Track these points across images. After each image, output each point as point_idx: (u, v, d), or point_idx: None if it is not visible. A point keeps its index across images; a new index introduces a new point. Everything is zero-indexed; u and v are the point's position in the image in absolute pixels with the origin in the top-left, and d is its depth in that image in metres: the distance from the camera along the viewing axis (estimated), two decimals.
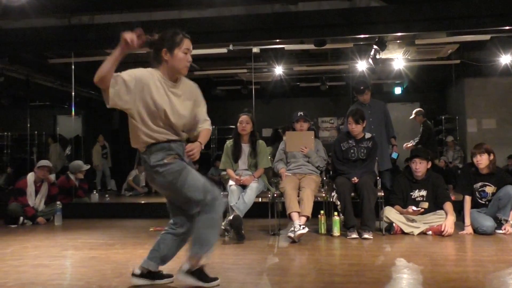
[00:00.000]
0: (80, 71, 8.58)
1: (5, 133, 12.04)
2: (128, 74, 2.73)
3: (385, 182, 5.68)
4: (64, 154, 11.60)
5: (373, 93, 6.15)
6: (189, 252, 2.88)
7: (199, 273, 2.89)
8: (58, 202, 6.38)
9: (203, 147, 2.95)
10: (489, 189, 4.94)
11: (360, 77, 9.20)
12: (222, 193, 5.09)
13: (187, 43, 2.83)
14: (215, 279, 2.94)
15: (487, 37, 7.75)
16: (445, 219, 4.76)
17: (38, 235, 5.38)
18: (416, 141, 7.96)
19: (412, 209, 4.85)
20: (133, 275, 3.00)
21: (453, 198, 5.68)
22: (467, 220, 4.87)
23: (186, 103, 2.89)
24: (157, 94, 2.76)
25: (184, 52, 2.81)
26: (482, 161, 4.88)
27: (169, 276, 3.06)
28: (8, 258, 3.98)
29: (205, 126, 3.02)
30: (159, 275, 3.04)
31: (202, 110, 3.02)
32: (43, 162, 6.47)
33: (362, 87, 5.97)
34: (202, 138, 2.97)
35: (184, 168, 2.82)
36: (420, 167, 4.97)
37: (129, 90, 2.70)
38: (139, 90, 2.73)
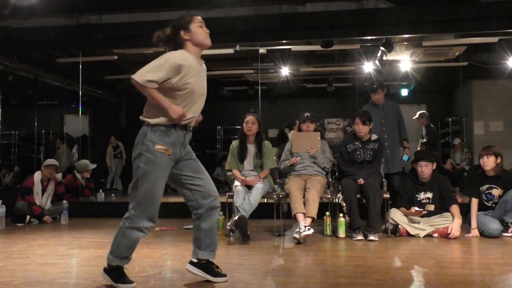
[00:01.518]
0: (88, 70, 8.62)
1: (13, 132, 12.11)
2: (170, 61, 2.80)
3: (394, 185, 5.65)
4: (71, 153, 11.67)
5: (386, 94, 6.11)
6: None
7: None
8: (65, 201, 6.41)
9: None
10: (496, 192, 4.91)
11: (374, 76, 9.18)
12: (227, 193, 5.12)
13: (198, 18, 2.97)
14: (223, 275, 3.04)
15: (495, 39, 7.73)
16: (452, 222, 4.74)
17: (44, 233, 5.41)
18: (424, 142, 7.94)
19: (415, 210, 4.84)
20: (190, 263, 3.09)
21: (459, 200, 5.66)
22: (474, 223, 4.85)
23: (205, 80, 3.02)
24: (193, 73, 2.85)
25: (199, 25, 2.94)
26: (489, 163, 4.86)
27: (224, 275, 3.09)
28: (15, 257, 4.00)
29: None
30: (217, 273, 3.09)
31: None
32: (50, 161, 6.50)
33: (375, 86, 5.94)
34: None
35: (159, 170, 2.82)
36: (426, 169, 4.96)
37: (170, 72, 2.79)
38: (177, 71, 2.80)
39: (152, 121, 2.83)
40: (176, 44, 2.94)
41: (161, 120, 2.82)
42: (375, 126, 5.37)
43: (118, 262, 2.92)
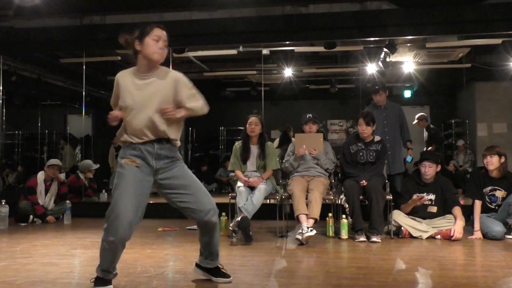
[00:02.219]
0: (91, 71, 8.63)
1: (16, 132, 12.14)
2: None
3: (396, 186, 5.65)
4: (75, 154, 11.69)
5: (389, 96, 6.11)
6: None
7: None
8: (68, 201, 6.43)
9: (184, 114, 2.83)
10: (499, 194, 4.90)
11: (377, 77, 9.17)
12: (230, 194, 5.12)
13: (157, 31, 2.81)
14: (226, 276, 3.07)
15: (498, 41, 7.71)
16: (454, 224, 4.73)
17: (47, 233, 5.42)
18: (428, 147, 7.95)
19: (416, 195, 4.83)
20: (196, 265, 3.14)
21: (462, 202, 5.65)
22: (477, 225, 4.83)
23: (156, 94, 2.80)
24: (123, 90, 2.85)
25: (154, 39, 2.79)
26: (493, 162, 4.85)
27: (227, 276, 3.08)
28: (18, 256, 4.01)
29: (192, 104, 2.87)
30: (220, 273, 3.09)
31: (186, 97, 2.86)
32: (53, 161, 6.51)
33: (377, 87, 5.94)
34: (189, 107, 2.86)
35: (125, 181, 2.76)
36: (430, 170, 4.95)
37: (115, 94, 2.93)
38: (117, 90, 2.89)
39: (122, 139, 2.89)
40: (133, 52, 2.86)
41: (125, 137, 2.86)
42: (377, 127, 5.36)
43: (99, 273, 2.86)
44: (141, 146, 2.81)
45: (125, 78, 2.86)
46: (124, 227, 2.71)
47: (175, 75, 2.89)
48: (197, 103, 2.87)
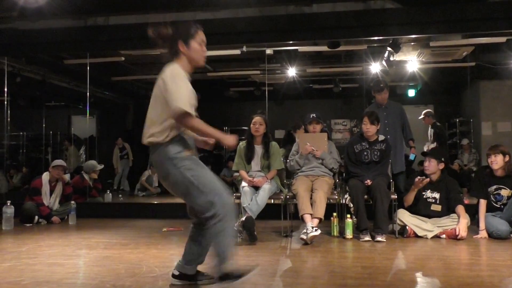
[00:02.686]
0: (95, 71, 8.65)
1: (21, 133, 12.19)
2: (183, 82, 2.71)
3: (399, 185, 5.64)
4: (79, 154, 11.74)
5: (393, 95, 6.11)
6: (210, 263, 2.83)
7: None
8: (72, 202, 6.45)
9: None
10: (505, 192, 4.88)
11: (378, 76, 9.16)
12: (234, 194, 5.12)
13: (201, 35, 2.84)
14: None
15: (503, 39, 7.68)
16: (458, 222, 4.72)
17: (52, 234, 5.44)
18: (431, 144, 7.93)
19: (418, 178, 4.84)
20: (173, 276, 3.01)
21: (467, 202, 5.64)
22: (482, 224, 4.82)
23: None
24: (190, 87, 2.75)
25: (199, 43, 2.82)
26: (497, 161, 4.84)
27: (210, 277, 3.01)
28: (23, 257, 4.02)
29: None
30: (199, 275, 3.04)
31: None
32: (58, 162, 6.52)
33: (381, 85, 5.93)
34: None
35: (199, 165, 2.77)
36: (430, 165, 4.94)
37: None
38: None
39: (168, 137, 2.73)
40: (170, 48, 2.81)
41: (175, 132, 2.74)
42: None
43: (224, 269, 2.73)
44: (186, 138, 2.80)
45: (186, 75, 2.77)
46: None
47: None
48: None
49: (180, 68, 2.76)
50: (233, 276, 2.73)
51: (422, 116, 8.76)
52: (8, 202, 5.93)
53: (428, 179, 4.87)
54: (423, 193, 4.97)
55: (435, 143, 8.37)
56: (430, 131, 8.77)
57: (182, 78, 2.70)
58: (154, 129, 2.75)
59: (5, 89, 8.50)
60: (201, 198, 2.70)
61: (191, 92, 2.71)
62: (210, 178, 2.76)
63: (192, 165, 2.73)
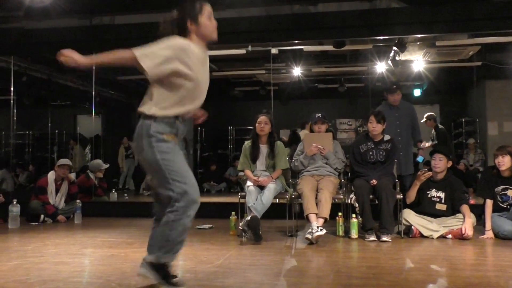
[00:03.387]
0: (101, 71, 8.66)
1: (27, 132, 12.25)
2: (165, 45, 2.68)
3: (406, 185, 5.61)
4: (84, 153, 11.78)
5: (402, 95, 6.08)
6: (149, 249, 2.79)
7: (162, 270, 2.76)
8: (78, 201, 6.47)
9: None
10: (511, 193, 4.86)
11: (386, 76, 9.13)
12: (239, 193, 5.12)
13: (207, 9, 2.83)
14: (178, 284, 2.77)
15: (509, 38, 7.65)
16: (463, 222, 4.70)
17: (58, 233, 5.46)
18: (434, 145, 7.89)
19: (421, 171, 4.87)
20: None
21: (473, 202, 5.61)
22: (488, 224, 4.80)
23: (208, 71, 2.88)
24: (194, 63, 2.71)
25: (208, 17, 2.82)
26: (504, 162, 4.81)
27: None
28: (29, 255, 4.04)
29: None
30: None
31: None
32: (63, 161, 6.55)
33: (394, 86, 5.91)
34: None
35: (176, 152, 2.70)
36: (440, 163, 4.92)
37: (167, 59, 2.65)
38: (176, 57, 2.66)
39: (159, 112, 2.72)
40: (180, 30, 2.78)
41: (171, 111, 2.73)
42: (390, 127, 5.32)
43: (164, 259, 2.76)
44: (177, 122, 2.73)
45: (196, 48, 2.74)
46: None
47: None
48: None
49: (187, 41, 2.74)
50: (171, 282, 2.72)
51: (424, 120, 8.74)
52: (14, 201, 5.96)
53: (430, 172, 4.86)
54: (428, 192, 4.96)
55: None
56: (433, 133, 8.75)
57: (168, 43, 2.67)
58: (150, 102, 2.74)
59: (11, 88, 8.53)
60: (165, 184, 2.66)
61: (162, 54, 2.63)
62: (182, 167, 2.69)
63: (167, 149, 2.67)
